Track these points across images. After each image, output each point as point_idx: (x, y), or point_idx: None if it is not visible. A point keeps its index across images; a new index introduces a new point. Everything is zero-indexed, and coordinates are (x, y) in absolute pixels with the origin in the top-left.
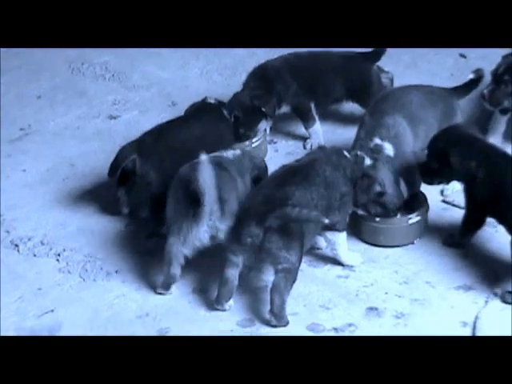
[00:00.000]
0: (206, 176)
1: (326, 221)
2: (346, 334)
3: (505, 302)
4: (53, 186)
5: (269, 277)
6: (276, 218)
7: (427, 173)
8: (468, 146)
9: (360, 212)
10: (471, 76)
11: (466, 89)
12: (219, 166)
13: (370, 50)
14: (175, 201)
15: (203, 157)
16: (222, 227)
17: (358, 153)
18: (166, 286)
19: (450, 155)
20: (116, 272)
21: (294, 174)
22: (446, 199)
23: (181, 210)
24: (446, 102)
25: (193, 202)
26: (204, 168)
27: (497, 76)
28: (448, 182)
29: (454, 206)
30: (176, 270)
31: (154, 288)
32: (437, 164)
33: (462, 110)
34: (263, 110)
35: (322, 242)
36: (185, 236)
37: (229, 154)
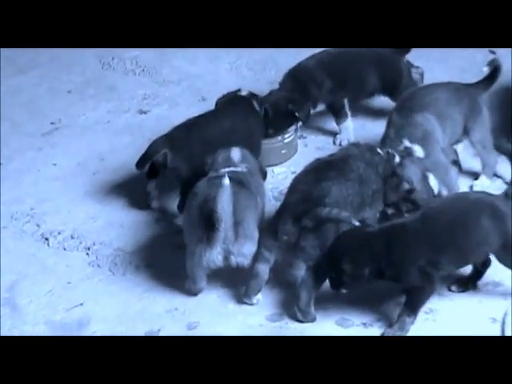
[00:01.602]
0: (225, 201)
1: (356, 223)
2: (375, 329)
3: None
4: (83, 180)
5: (300, 272)
6: (310, 219)
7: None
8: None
9: (390, 211)
10: (486, 69)
11: (489, 82)
12: (239, 183)
13: None
14: (191, 220)
15: (226, 181)
16: (235, 251)
17: (390, 150)
18: (193, 294)
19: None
20: (146, 266)
21: (329, 168)
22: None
23: (196, 232)
24: (470, 97)
25: (208, 226)
26: (224, 192)
27: None
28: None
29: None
30: (200, 284)
31: (183, 284)
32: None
33: (487, 104)
34: (296, 114)
35: None
36: (199, 259)
37: (242, 166)
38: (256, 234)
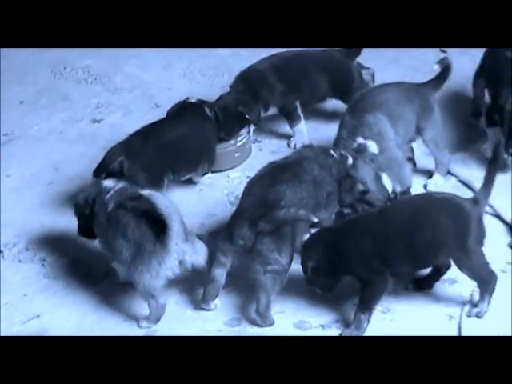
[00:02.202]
0: (164, 201)
1: (315, 219)
2: (333, 330)
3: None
4: (38, 191)
5: (257, 276)
6: (267, 223)
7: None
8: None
9: (346, 211)
10: (436, 67)
11: (440, 80)
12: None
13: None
14: (134, 238)
15: (145, 191)
16: (188, 248)
17: (343, 152)
18: (156, 320)
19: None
20: (102, 276)
21: (284, 171)
22: None
23: (146, 246)
24: (422, 96)
25: (159, 228)
26: (157, 197)
27: None
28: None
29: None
30: (163, 300)
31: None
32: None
33: (439, 103)
34: (247, 116)
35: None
36: (157, 270)
37: (121, 183)
38: None
